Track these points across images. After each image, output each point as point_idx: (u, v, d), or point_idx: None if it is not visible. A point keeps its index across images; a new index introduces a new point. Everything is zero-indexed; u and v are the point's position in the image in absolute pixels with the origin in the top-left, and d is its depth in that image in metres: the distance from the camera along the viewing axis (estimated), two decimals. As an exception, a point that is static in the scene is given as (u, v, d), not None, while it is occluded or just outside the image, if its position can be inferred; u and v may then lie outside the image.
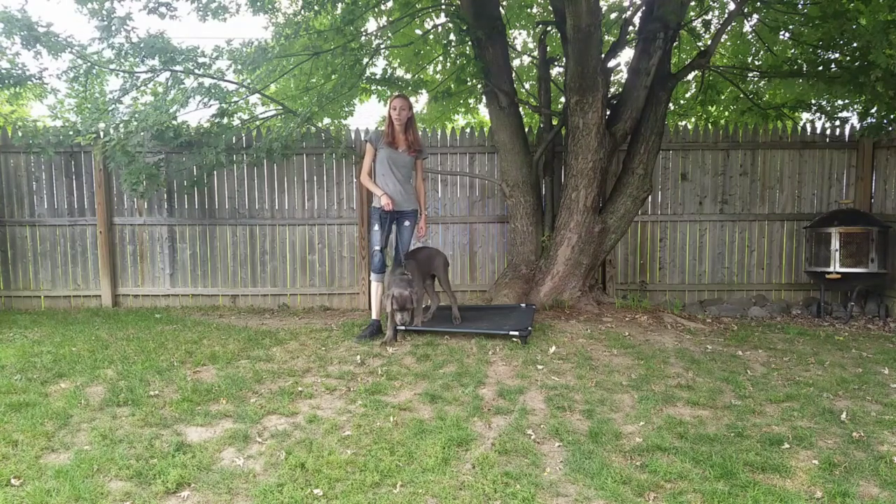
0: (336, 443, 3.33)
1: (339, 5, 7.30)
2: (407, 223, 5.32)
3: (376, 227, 5.18)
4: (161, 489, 2.85)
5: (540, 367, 4.61)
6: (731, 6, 7.56)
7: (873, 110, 7.41)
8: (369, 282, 5.44)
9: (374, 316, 5.39)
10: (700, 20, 7.85)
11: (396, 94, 5.40)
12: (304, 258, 7.49)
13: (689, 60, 7.41)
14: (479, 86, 7.30)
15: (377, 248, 5.18)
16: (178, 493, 2.85)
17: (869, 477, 3.04)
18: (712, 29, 7.97)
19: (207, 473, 3.01)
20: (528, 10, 8.96)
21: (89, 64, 6.86)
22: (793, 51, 8.25)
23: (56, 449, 3.27)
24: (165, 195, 7.41)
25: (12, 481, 2.92)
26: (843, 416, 3.76)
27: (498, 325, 5.35)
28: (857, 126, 7.58)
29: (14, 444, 3.27)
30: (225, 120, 7.10)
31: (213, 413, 3.72)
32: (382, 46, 7.94)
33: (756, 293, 7.56)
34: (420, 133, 7.47)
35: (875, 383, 4.42)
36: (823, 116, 8.23)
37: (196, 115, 12.84)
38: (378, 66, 14.75)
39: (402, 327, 5.02)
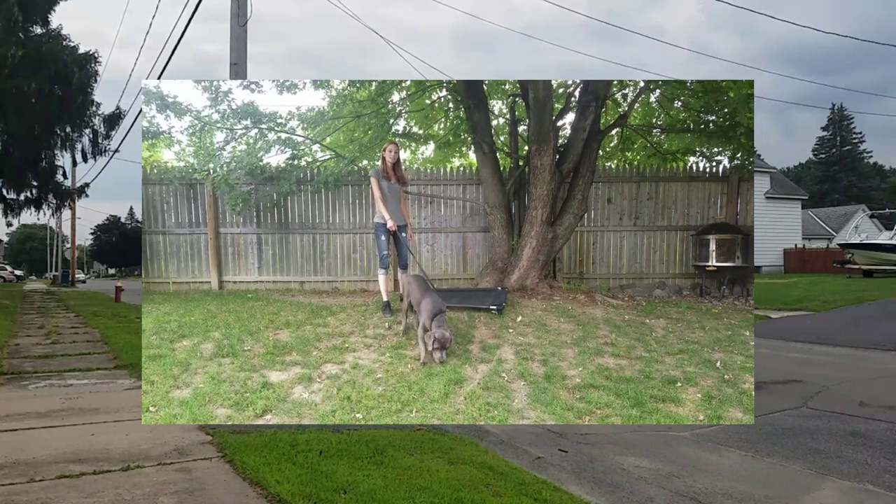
0: (371, 382, 3.33)
1: (373, 84, 7.29)
2: (404, 235, 5.11)
3: (383, 238, 4.99)
4: (252, 414, 2.86)
5: (511, 330, 4.61)
6: (642, 84, 7.54)
7: (738, 155, 7.40)
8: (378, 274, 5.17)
9: (384, 298, 5.16)
10: (620, 94, 7.83)
11: (390, 141, 5.19)
12: (350, 256, 7.46)
13: (612, 121, 7.40)
14: (469, 138, 7.29)
15: (385, 252, 5.02)
16: (263, 416, 2.86)
17: (735, 406, 3.04)
18: (629, 99, 7.95)
19: (283, 403, 3.02)
20: (503, 86, 8.92)
21: (202, 123, 6.85)
22: (683, 114, 8.23)
23: (180, 387, 3.27)
24: (255, 213, 7.38)
25: (150, 409, 2.93)
26: (718, 364, 3.77)
27: (481, 301, 5.34)
28: (728, 166, 7.56)
29: (151, 384, 3.28)
30: (295, 161, 7.09)
31: (287, 362, 3.72)
32: (403, 111, 7.93)
33: (658, 280, 7.53)
34: (427, 169, 7.49)
35: (739, 342, 4.42)
36: (705, 159, 8.21)
37: (275, 158, 12.69)
38: (400, 125, 14.65)
39: (439, 363, 3.57)
